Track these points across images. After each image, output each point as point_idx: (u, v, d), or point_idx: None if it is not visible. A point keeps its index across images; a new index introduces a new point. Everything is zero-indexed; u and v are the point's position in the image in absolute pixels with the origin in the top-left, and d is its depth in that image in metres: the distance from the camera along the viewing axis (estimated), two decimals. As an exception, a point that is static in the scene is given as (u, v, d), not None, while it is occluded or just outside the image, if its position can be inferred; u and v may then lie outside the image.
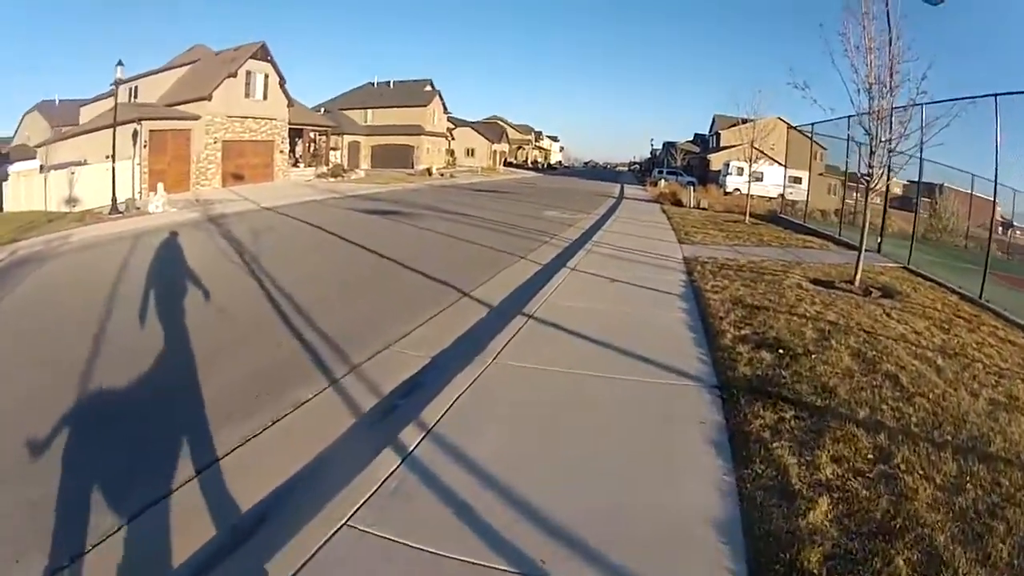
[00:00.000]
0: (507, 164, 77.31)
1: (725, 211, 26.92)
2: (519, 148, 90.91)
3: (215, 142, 28.48)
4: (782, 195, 25.62)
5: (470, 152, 69.65)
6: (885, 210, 15.60)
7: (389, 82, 60.50)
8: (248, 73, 30.89)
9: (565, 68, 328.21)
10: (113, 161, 18.53)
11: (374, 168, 51.26)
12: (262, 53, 31.98)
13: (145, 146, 24.47)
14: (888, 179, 10.44)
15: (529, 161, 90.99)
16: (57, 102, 40.62)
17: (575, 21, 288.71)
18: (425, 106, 55.09)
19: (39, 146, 29.43)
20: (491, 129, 76.49)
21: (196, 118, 27.88)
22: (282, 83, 33.14)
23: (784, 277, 10.23)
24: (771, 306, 7.95)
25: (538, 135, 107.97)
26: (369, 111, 55.47)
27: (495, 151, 72.76)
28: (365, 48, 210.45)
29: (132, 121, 24.40)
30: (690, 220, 20.48)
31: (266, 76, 32.13)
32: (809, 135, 20.98)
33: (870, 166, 9.41)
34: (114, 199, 17.83)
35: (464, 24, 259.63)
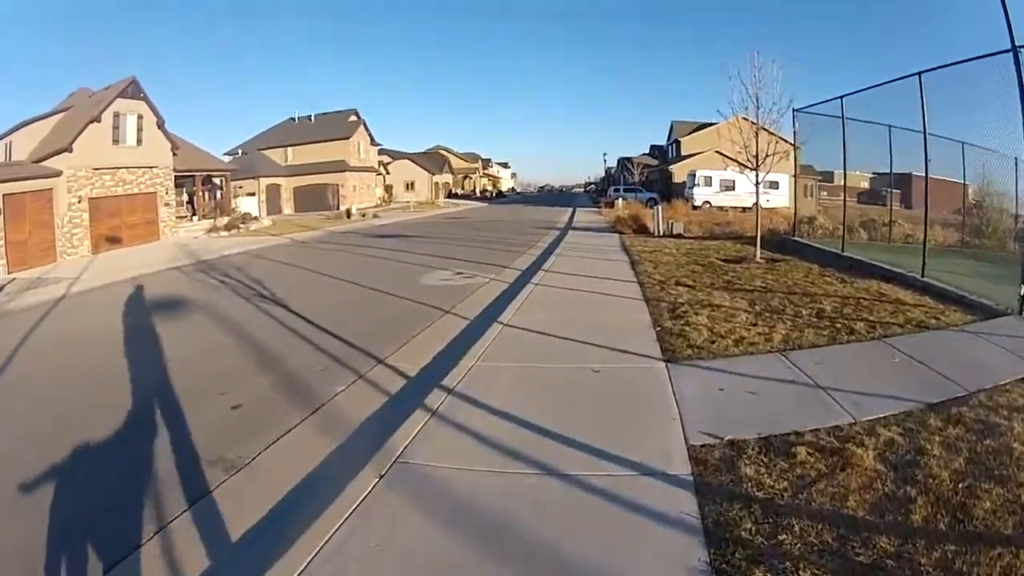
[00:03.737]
0: (452, 195, 69.13)
1: (709, 236, 19.03)
2: (465, 178, 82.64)
3: (79, 201, 21.74)
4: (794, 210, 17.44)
5: (410, 186, 61.58)
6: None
7: (311, 116, 52.43)
8: (116, 116, 23.75)
9: (513, 93, 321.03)
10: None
11: (297, 212, 43.10)
12: (133, 91, 24.73)
13: (0, 214, 18.19)
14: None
15: (477, 190, 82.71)
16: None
17: (520, 44, 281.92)
18: (348, 138, 47.25)
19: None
20: (432, 160, 68.69)
21: (57, 174, 20.99)
22: (160, 124, 25.70)
23: None
24: None
25: (486, 163, 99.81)
26: (290, 149, 47.59)
27: (436, 183, 64.63)
28: (295, 86, 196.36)
29: (-18, 186, 18.37)
30: (667, 263, 12.37)
31: (139, 117, 24.79)
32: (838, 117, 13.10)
33: None
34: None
35: (404, 53, 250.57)
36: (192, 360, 7.14)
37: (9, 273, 17.73)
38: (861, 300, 8.33)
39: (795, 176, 19.02)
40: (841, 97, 12.99)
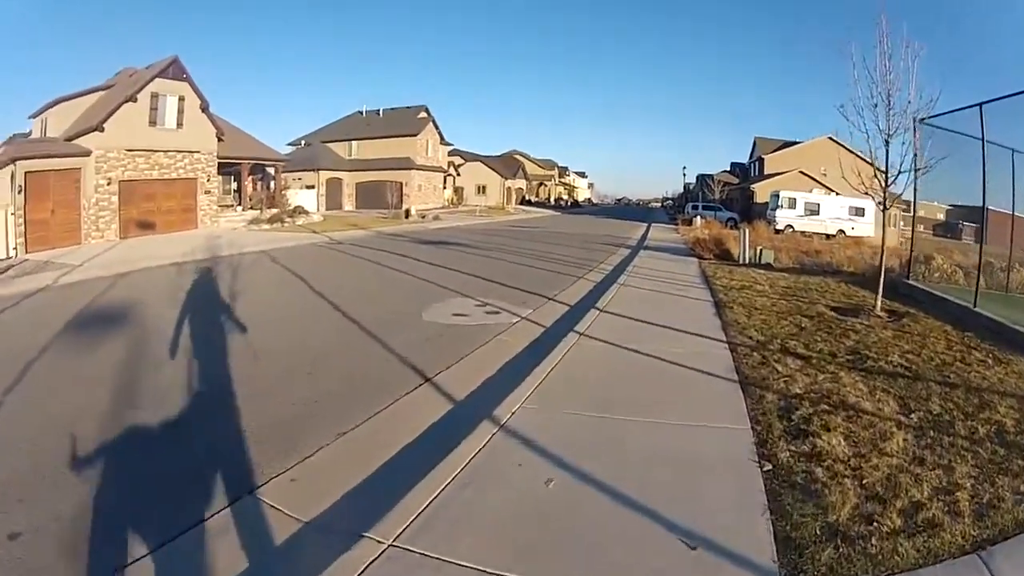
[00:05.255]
0: (525, 202, 66.75)
1: (800, 268, 15.86)
2: (540, 185, 79.97)
3: (109, 183, 20.49)
4: (911, 247, 13.87)
5: (481, 189, 59.53)
6: None
7: (379, 110, 50.62)
8: (154, 96, 22.18)
9: (595, 102, 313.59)
10: None
11: (358, 208, 41.83)
12: (175, 71, 23.08)
13: (20, 192, 17.51)
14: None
15: (552, 199, 79.79)
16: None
17: (604, 52, 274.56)
18: (416, 135, 45.17)
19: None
20: (506, 164, 66.37)
21: (86, 154, 19.83)
22: (204, 107, 24.06)
23: None
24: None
25: (563, 171, 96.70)
26: (354, 143, 46.07)
27: (509, 188, 62.31)
28: (368, 80, 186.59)
29: (7, 163, 17.63)
30: (763, 309, 8.96)
31: (180, 99, 23.18)
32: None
33: None
34: None
35: (484, 53, 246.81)
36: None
37: (26, 252, 16.91)
38: None
39: (914, 202, 15.36)
40: (980, 104, 9.65)
